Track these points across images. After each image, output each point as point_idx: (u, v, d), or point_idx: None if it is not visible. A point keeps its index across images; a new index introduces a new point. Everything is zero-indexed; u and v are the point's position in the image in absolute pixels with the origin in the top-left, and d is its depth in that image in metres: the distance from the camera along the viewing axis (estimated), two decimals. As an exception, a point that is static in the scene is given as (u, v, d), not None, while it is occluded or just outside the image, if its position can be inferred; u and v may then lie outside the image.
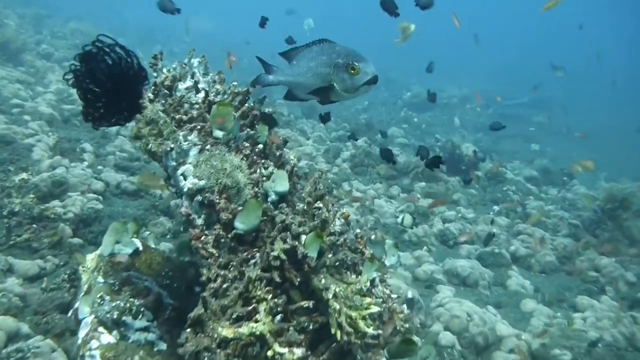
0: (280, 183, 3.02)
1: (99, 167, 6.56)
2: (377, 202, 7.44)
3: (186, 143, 2.74)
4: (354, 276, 3.16)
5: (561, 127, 18.66)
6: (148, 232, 4.86)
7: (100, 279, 3.22)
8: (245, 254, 2.73)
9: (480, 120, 18.50)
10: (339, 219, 3.43)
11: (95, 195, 5.73)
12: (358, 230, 3.53)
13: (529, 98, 23.01)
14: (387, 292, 3.53)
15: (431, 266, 6.23)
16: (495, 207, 8.56)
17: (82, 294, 3.24)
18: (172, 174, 2.71)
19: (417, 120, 16.38)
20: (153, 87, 2.97)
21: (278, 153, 3.60)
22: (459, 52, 36.97)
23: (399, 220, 5.97)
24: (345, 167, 8.84)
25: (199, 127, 2.86)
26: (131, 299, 3.02)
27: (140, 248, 3.55)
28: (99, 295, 3.04)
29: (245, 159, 2.87)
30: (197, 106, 3.25)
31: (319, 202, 3.21)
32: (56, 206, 5.33)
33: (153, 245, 3.94)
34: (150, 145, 2.70)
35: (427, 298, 5.78)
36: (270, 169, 3.29)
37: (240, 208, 2.67)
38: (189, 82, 3.37)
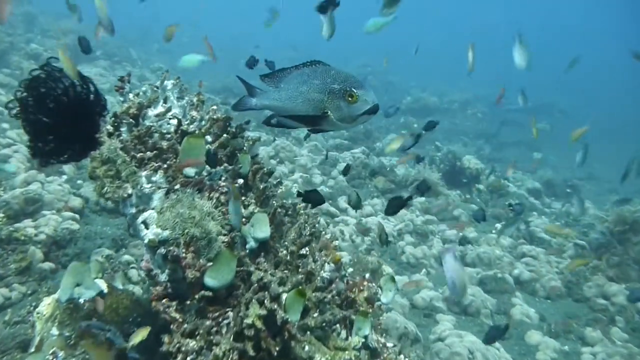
0: (260, 228, 2.64)
1: (79, 182, 6.17)
2: (374, 220, 7.05)
3: (149, 186, 2.35)
4: (343, 333, 2.78)
5: (562, 132, 18.27)
6: (116, 270, 4.47)
7: (55, 331, 2.83)
8: (216, 314, 2.35)
9: (481, 127, 18.11)
10: (328, 263, 3.06)
11: (72, 214, 5.34)
12: (350, 270, 3.14)
13: (531, 103, 22.63)
14: (382, 341, 3.15)
15: (430, 292, 5.85)
16: (498, 225, 8.17)
17: (33, 348, 2.85)
18: (132, 223, 2.32)
19: (417, 126, 15.96)
20: (113, 119, 2.57)
21: (262, 186, 3.22)
22: (460, 55, 36.70)
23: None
24: (342, 180, 8.45)
25: (165, 166, 2.47)
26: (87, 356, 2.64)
27: (105, 290, 3.15)
28: (51, 352, 2.66)
29: (219, 203, 2.48)
30: (168, 136, 2.86)
31: (305, 249, 2.83)
32: (27, 226, 4.96)
33: (121, 286, 3.55)
34: (106, 188, 2.31)
35: (426, 329, 5.40)
36: (251, 208, 2.91)
37: (210, 264, 2.29)
38: (160, 108, 2.99)
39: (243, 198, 2.96)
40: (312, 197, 3.08)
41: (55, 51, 10.46)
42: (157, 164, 2.44)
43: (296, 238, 2.71)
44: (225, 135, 2.94)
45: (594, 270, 6.56)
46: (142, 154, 2.41)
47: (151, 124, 2.90)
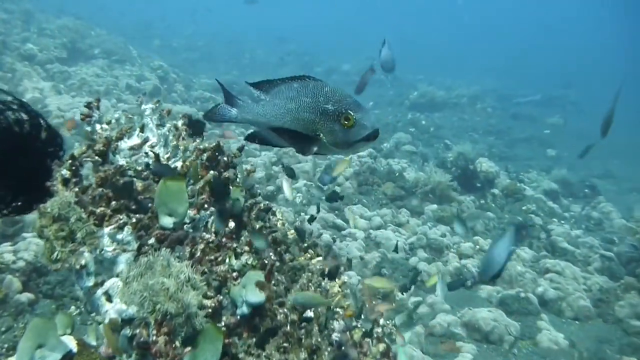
0: (253, 291, 2.15)
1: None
2: (384, 233, 6.54)
3: (112, 248, 1.86)
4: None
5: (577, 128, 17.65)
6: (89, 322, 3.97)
7: (11, 410, 2.34)
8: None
9: (491, 122, 17.52)
10: (337, 320, 2.56)
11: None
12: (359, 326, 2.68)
13: (541, 95, 22.02)
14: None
15: (448, 317, 5.35)
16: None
17: None
18: (88, 297, 1.82)
19: (425, 122, 15.41)
20: (69, 162, 2.06)
21: (258, 225, 2.72)
22: (467, 48, 36.00)
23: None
24: (349, 186, 7.94)
25: (134, 220, 1.96)
26: None
27: (75, 350, 2.65)
28: None
29: (199, 264, 1.98)
30: (145, 174, 2.36)
31: (309, 312, 2.32)
32: (5, 252, 4.52)
33: (95, 343, 3.05)
34: (57, 253, 1.81)
35: (444, 359, 4.91)
36: (244, 258, 2.41)
37: (188, 350, 1.80)
38: (135, 139, 2.48)
39: (234, 245, 2.46)
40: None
41: (49, 50, 9.88)
42: (123, 219, 1.93)
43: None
44: (211, 172, 2.43)
45: (626, 287, 6.03)
46: (103, 208, 1.90)
47: (124, 160, 2.40)
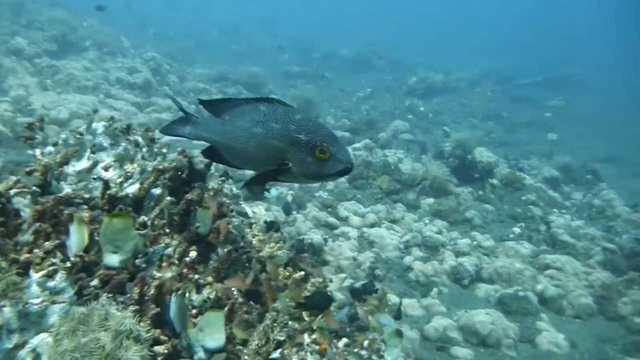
0: (211, 334, 1.94)
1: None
2: (378, 231, 6.33)
3: (38, 300, 1.64)
4: None
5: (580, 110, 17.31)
6: None
7: None
8: None
9: (491, 106, 17.20)
10: (312, 354, 2.36)
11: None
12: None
13: (542, 77, 21.63)
14: None
15: (443, 320, 5.15)
16: (516, 229, 7.41)
17: None
18: None
19: (424, 109, 15.14)
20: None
21: (227, 249, 2.51)
22: (465, 30, 35.42)
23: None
24: (342, 181, 7.71)
25: (69, 264, 1.74)
26: None
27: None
28: None
29: (142, 319, 1.76)
30: (93, 202, 2.14)
31: (275, 353, 2.11)
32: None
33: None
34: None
35: (439, 366, 4.73)
36: (206, 292, 2.20)
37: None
38: (84, 163, 2.26)
39: (196, 277, 2.25)
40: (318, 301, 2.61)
41: (39, 44, 9.58)
42: (52, 264, 1.71)
43: (260, 346, 1.99)
44: (167, 199, 2.21)
45: (629, 283, 5.82)
46: (27, 255, 1.67)
47: (69, 187, 2.18)
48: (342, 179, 7.80)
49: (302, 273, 3.11)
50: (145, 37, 20.29)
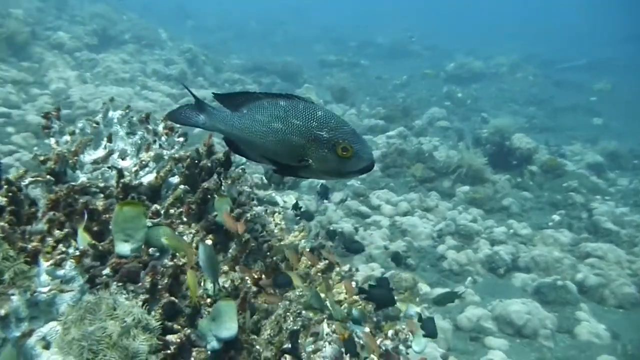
0: (222, 323, 1.92)
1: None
2: (410, 220, 6.22)
3: (46, 289, 1.64)
4: None
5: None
6: None
7: None
8: None
9: (533, 91, 16.69)
10: (330, 343, 2.31)
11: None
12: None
13: (587, 60, 20.91)
14: None
15: (477, 310, 5.03)
16: (555, 217, 7.16)
17: None
18: (18, 348, 1.61)
19: (462, 95, 14.80)
20: (6, 187, 1.85)
21: (245, 238, 2.48)
22: (505, 14, 34.47)
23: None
24: (375, 170, 7.61)
25: (77, 252, 1.74)
26: None
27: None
28: None
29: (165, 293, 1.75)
30: (108, 191, 2.14)
31: (288, 344, 2.07)
32: None
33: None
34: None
35: (472, 356, 4.62)
36: (221, 281, 2.18)
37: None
38: (100, 152, 2.26)
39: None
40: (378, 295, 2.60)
41: (80, 38, 9.77)
42: (62, 252, 1.71)
43: (273, 336, 1.96)
44: (181, 187, 2.20)
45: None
46: (35, 244, 1.68)
47: (85, 176, 2.19)
48: (375, 167, 7.72)
49: (326, 262, 3.07)
50: (183, 30, 20.51)
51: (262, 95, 1.77)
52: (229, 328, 1.90)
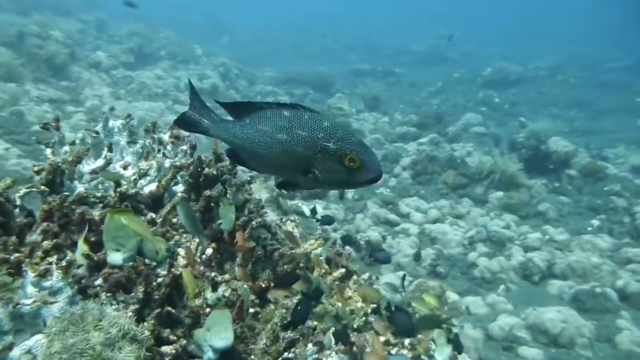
0: (218, 333, 1.87)
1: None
2: (440, 227, 6.07)
3: (30, 301, 1.62)
4: None
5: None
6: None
7: None
8: None
9: (574, 94, 16.18)
10: (337, 353, 2.23)
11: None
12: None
13: (633, 60, 20.17)
14: None
15: (510, 319, 4.84)
16: (595, 222, 6.86)
17: None
18: None
19: (499, 100, 14.48)
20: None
21: (250, 245, 2.44)
22: (542, 18, 33.71)
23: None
24: (405, 177, 7.50)
25: (64, 262, 1.73)
26: None
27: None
28: None
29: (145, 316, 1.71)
30: (106, 201, 2.13)
31: (289, 353, 2.00)
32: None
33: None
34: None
35: (505, 367, 4.44)
36: (221, 290, 2.13)
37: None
38: (99, 162, 2.26)
39: (213, 275, 2.18)
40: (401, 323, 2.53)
41: (117, 57, 10.04)
42: (48, 262, 1.70)
43: (269, 346, 1.89)
44: (178, 195, 2.18)
45: None
46: (19, 255, 1.67)
47: (83, 186, 2.19)
48: (406, 175, 7.59)
49: (343, 271, 2.99)
50: (219, 45, 20.85)
51: (265, 105, 1.75)
52: (224, 338, 1.85)
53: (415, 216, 6.38)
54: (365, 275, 3.20)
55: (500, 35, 25.95)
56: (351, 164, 1.57)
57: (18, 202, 1.97)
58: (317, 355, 2.13)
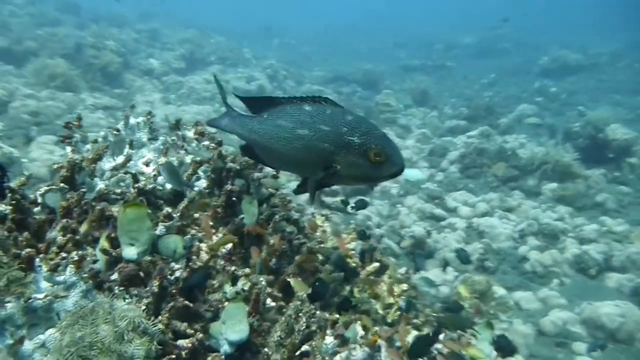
0: (233, 326, 1.85)
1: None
2: (488, 221, 5.87)
3: (42, 295, 1.64)
4: None
5: None
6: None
7: None
8: None
9: (638, 79, 15.32)
10: (361, 346, 2.15)
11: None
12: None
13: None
14: None
15: (563, 313, 4.61)
16: (657, 212, 6.47)
17: None
18: (13, 355, 1.62)
19: (556, 89, 13.89)
20: (9, 195, 1.89)
21: (273, 241, 2.40)
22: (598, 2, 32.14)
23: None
24: (453, 171, 7.30)
25: (76, 257, 1.74)
26: None
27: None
28: None
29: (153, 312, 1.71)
30: (126, 197, 2.16)
31: (302, 348, 1.94)
32: None
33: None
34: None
35: (558, 365, 4.22)
36: (241, 283, 2.10)
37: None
38: (121, 158, 2.29)
39: (233, 269, 2.16)
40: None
41: (169, 63, 10.33)
42: (61, 256, 1.72)
43: (284, 338, 1.85)
44: (195, 190, 2.18)
45: None
46: (30, 249, 1.69)
47: (103, 183, 2.22)
48: (453, 168, 7.40)
49: (377, 265, 2.90)
50: (269, 48, 21.08)
51: (285, 99, 1.73)
52: (239, 331, 1.83)
53: (463, 210, 6.19)
54: (402, 270, 3.11)
55: (556, 24, 24.98)
56: (377, 158, 1.55)
57: (39, 200, 2.02)
58: (337, 349, 2.07)
